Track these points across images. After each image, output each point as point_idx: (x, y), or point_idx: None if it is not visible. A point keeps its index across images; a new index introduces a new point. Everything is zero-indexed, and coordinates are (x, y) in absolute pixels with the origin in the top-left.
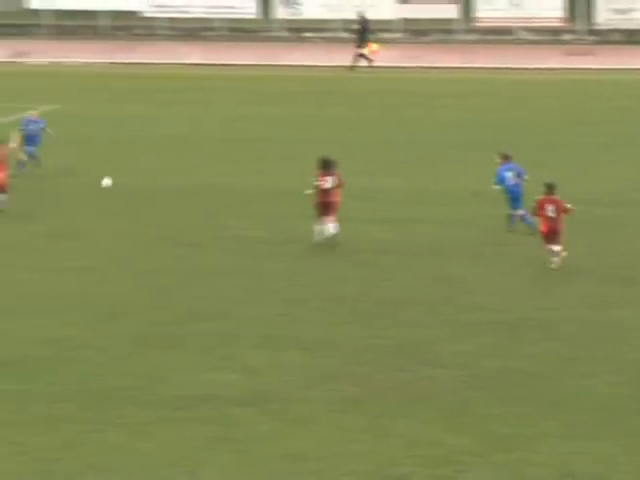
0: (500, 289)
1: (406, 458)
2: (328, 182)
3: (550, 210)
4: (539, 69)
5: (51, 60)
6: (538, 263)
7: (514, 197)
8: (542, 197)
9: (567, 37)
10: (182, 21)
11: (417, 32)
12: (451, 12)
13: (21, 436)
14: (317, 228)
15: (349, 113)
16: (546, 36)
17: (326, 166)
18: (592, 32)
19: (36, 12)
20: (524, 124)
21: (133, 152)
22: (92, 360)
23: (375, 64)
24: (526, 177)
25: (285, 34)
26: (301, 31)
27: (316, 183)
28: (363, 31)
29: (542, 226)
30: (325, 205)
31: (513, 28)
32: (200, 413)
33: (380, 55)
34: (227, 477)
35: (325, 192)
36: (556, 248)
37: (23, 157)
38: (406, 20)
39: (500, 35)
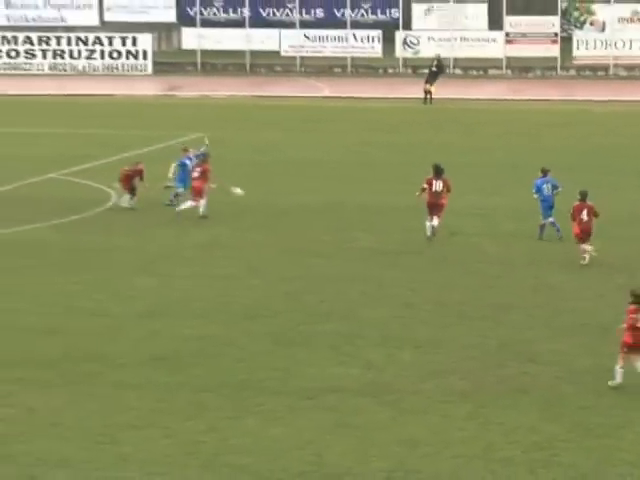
0: (591, 295)
1: (506, 443)
2: (437, 185)
3: (584, 214)
4: (631, 101)
5: (200, 93)
6: (626, 272)
7: (547, 206)
8: (577, 203)
9: None
10: (315, 59)
11: (522, 69)
12: (553, 51)
13: (170, 421)
14: (427, 225)
15: (459, 140)
16: (636, 72)
17: (437, 172)
18: None
19: (188, 52)
20: (619, 149)
21: (271, 173)
22: (232, 355)
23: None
24: (560, 189)
25: (405, 71)
26: (418, 68)
27: (424, 185)
28: (438, 71)
29: (576, 228)
30: (433, 206)
31: (607, 65)
32: (326, 402)
33: (488, 89)
34: (349, 459)
35: (434, 194)
36: (587, 247)
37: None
38: (511, 58)
39: (595, 71)
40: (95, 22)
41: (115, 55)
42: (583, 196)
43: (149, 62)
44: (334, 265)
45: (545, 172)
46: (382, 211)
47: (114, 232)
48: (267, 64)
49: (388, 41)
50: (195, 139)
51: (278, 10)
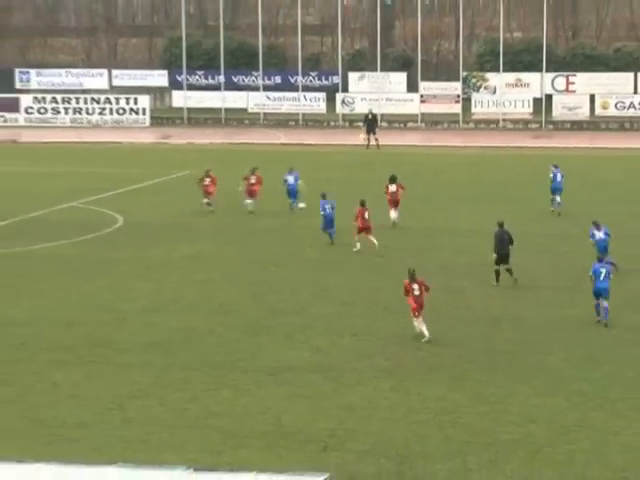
0: (483, 295)
1: (422, 409)
2: (393, 188)
3: (366, 215)
4: (515, 147)
5: (187, 141)
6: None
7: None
8: (359, 208)
9: (533, 126)
10: (275, 115)
11: (432, 122)
12: (456, 109)
13: (164, 393)
14: (392, 216)
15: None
16: (520, 125)
17: (392, 179)
18: (549, 122)
19: (177, 109)
20: (505, 183)
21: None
22: (211, 342)
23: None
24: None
25: (343, 124)
26: (353, 121)
27: (385, 189)
28: (373, 120)
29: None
30: (392, 202)
31: (498, 119)
32: (283, 378)
33: (407, 138)
34: (301, 421)
35: (392, 194)
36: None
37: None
38: (424, 114)
39: (489, 124)
40: (105, 86)
41: (121, 111)
42: (362, 203)
43: (147, 117)
44: (289, 272)
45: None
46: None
47: (119, 247)
48: (237, 118)
49: (330, 101)
50: (183, 176)
51: (246, 77)
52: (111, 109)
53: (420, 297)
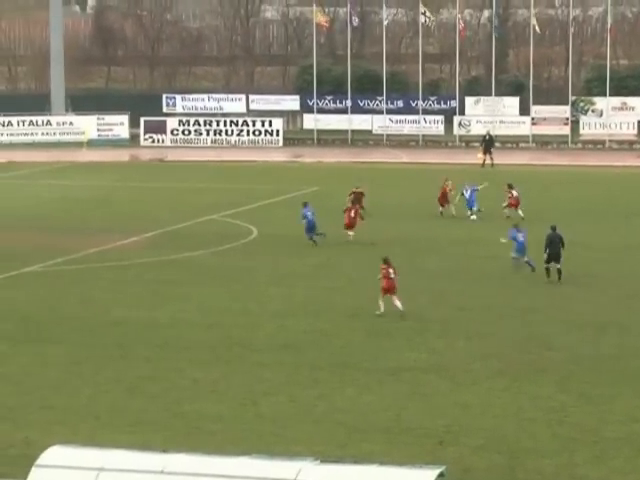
0: None
1: (531, 407)
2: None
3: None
4: (621, 166)
5: (316, 160)
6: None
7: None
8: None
9: (638, 146)
10: (397, 136)
11: (543, 143)
12: (565, 130)
13: (293, 390)
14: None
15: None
16: (625, 145)
17: (510, 185)
18: None
19: (308, 130)
20: (608, 199)
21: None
22: (337, 343)
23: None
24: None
25: (460, 144)
26: (469, 142)
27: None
28: (490, 141)
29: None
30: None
31: (604, 140)
32: (403, 377)
33: (519, 157)
34: (419, 418)
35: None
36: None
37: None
38: (535, 135)
39: (596, 145)
40: (243, 110)
41: (257, 133)
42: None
43: (280, 138)
44: (409, 279)
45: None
46: (456, 242)
47: (254, 256)
48: (363, 139)
49: (448, 123)
50: (312, 192)
51: (371, 101)
52: (248, 131)
53: (394, 280)
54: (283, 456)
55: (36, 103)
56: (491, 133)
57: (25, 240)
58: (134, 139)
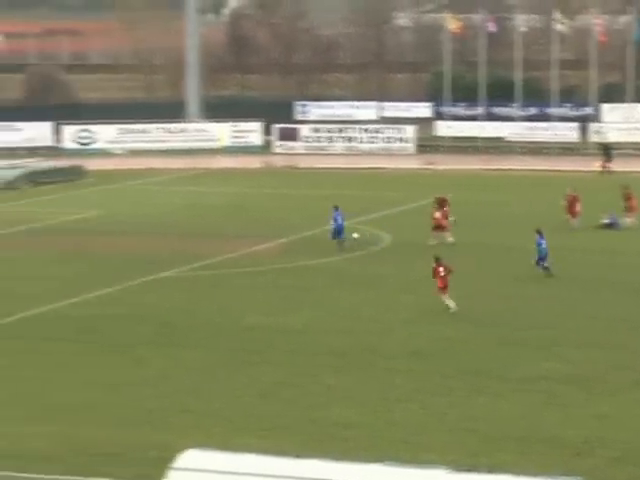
0: None
1: None
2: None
3: None
4: None
5: (448, 167)
6: None
7: None
8: None
9: None
10: (529, 143)
11: None
12: None
13: (425, 398)
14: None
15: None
16: None
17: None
18: None
19: (439, 137)
20: None
21: (496, 222)
22: (468, 351)
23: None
24: None
25: (594, 151)
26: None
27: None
28: (609, 151)
29: None
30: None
31: None
32: (537, 387)
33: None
34: (555, 428)
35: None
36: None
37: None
38: None
39: None
40: (374, 117)
41: (389, 140)
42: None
43: (412, 145)
44: (538, 288)
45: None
46: (589, 251)
47: (386, 263)
48: (494, 146)
49: (583, 130)
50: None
51: (504, 108)
52: (380, 138)
53: (445, 278)
54: (415, 464)
55: (172, 110)
56: (609, 140)
57: (162, 245)
58: (267, 146)
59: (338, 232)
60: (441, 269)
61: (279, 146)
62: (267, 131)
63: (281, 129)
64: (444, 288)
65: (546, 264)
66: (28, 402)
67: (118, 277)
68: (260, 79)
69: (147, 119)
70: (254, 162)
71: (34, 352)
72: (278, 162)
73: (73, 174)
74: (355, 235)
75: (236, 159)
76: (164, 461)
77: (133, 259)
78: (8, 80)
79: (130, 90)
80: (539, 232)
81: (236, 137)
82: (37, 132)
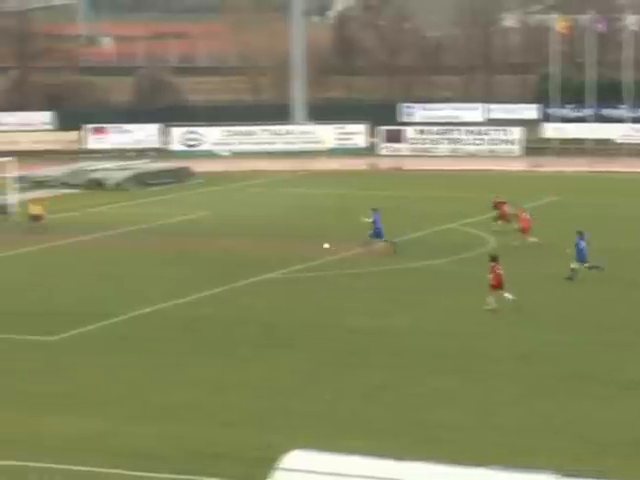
0: None
1: None
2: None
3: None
4: None
5: (555, 169)
6: None
7: None
8: None
9: None
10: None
11: None
12: None
13: (532, 402)
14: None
15: None
16: None
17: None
18: None
19: (547, 139)
20: None
21: (607, 226)
22: (574, 355)
23: None
24: None
25: None
26: None
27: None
28: None
29: None
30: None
31: None
32: None
33: None
34: None
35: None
36: None
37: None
38: None
39: None
40: (480, 119)
41: (495, 142)
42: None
43: (519, 147)
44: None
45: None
46: None
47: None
48: (603, 148)
49: None
50: (552, 201)
51: (613, 110)
52: (486, 140)
53: (501, 276)
54: (520, 468)
55: (277, 113)
56: None
57: (267, 247)
58: (372, 148)
59: (378, 235)
60: (497, 267)
61: (384, 148)
62: (372, 133)
63: (386, 131)
64: (498, 286)
65: (588, 265)
66: (136, 401)
67: (223, 278)
68: (365, 81)
69: (252, 121)
70: (359, 164)
71: (141, 352)
72: (383, 164)
73: (180, 176)
74: (326, 245)
75: (341, 161)
76: (269, 461)
77: (238, 260)
78: (118, 83)
79: (236, 92)
80: (580, 233)
81: (341, 139)
82: (146, 134)
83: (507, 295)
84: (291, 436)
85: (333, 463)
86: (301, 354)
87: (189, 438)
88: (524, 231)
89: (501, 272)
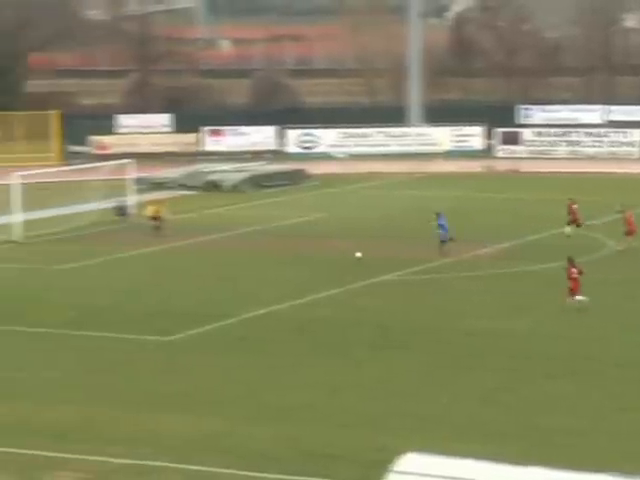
0: None
1: None
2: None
3: None
4: None
5: None
6: None
7: None
8: None
9: None
10: None
11: None
12: None
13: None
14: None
15: None
16: None
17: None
18: None
19: None
20: None
21: None
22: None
23: None
24: None
25: None
26: None
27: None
28: None
29: None
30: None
31: None
32: None
33: None
34: None
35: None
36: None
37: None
38: None
39: None
40: (599, 121)
41: (614, 144)
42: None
43: (638, 149)
44: None
45: None
46: None
47: (607, 269)
48: None
49: None
50: None
51: None
52: (606, 142)
53: (578, 279)
54: (637, 475)
55: (393, 115)
56: None
57: (383, 249)
58: (488, 150)
59: (446, 236)
60: (574, 271)
61: (501, 150)
62: (488, 135)
63: (503, 133)
64: (575, 290)
65: None
66: (251, 402)
67: (339, 280)
68: (482, 83)
69: (368, 123)
70: (475, 166)
71: (256, 353)
72: (499, 166)
73: (296, 178)
74: (358, 254)
75: (457, 163)
76: (383, 464)
77: (354, 262)
78: (235, 85)
79: (352, 94)
80: None
81: (457, 141)
82: (262, 136)
83: (579, 297)
84: (406, 438)
85: (448, 466)
86: (416, 356)
87: (304, 439)
88: (629, 234)
89: (576, 276)
